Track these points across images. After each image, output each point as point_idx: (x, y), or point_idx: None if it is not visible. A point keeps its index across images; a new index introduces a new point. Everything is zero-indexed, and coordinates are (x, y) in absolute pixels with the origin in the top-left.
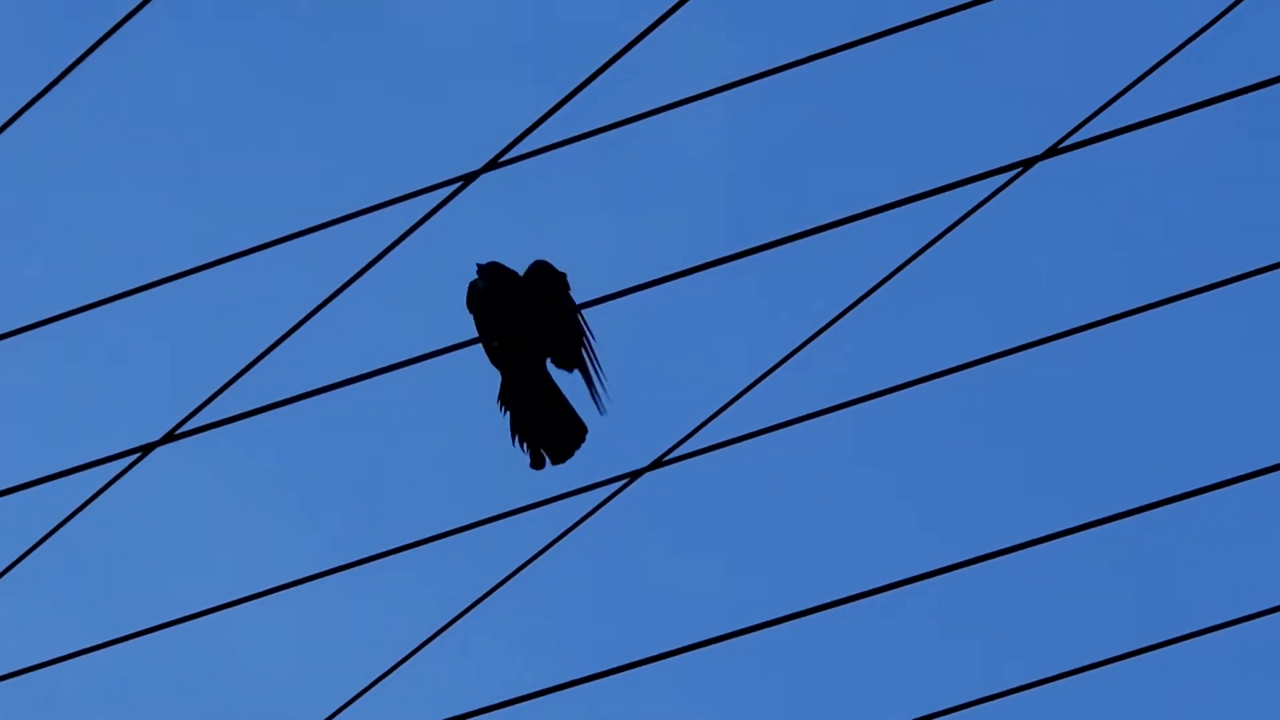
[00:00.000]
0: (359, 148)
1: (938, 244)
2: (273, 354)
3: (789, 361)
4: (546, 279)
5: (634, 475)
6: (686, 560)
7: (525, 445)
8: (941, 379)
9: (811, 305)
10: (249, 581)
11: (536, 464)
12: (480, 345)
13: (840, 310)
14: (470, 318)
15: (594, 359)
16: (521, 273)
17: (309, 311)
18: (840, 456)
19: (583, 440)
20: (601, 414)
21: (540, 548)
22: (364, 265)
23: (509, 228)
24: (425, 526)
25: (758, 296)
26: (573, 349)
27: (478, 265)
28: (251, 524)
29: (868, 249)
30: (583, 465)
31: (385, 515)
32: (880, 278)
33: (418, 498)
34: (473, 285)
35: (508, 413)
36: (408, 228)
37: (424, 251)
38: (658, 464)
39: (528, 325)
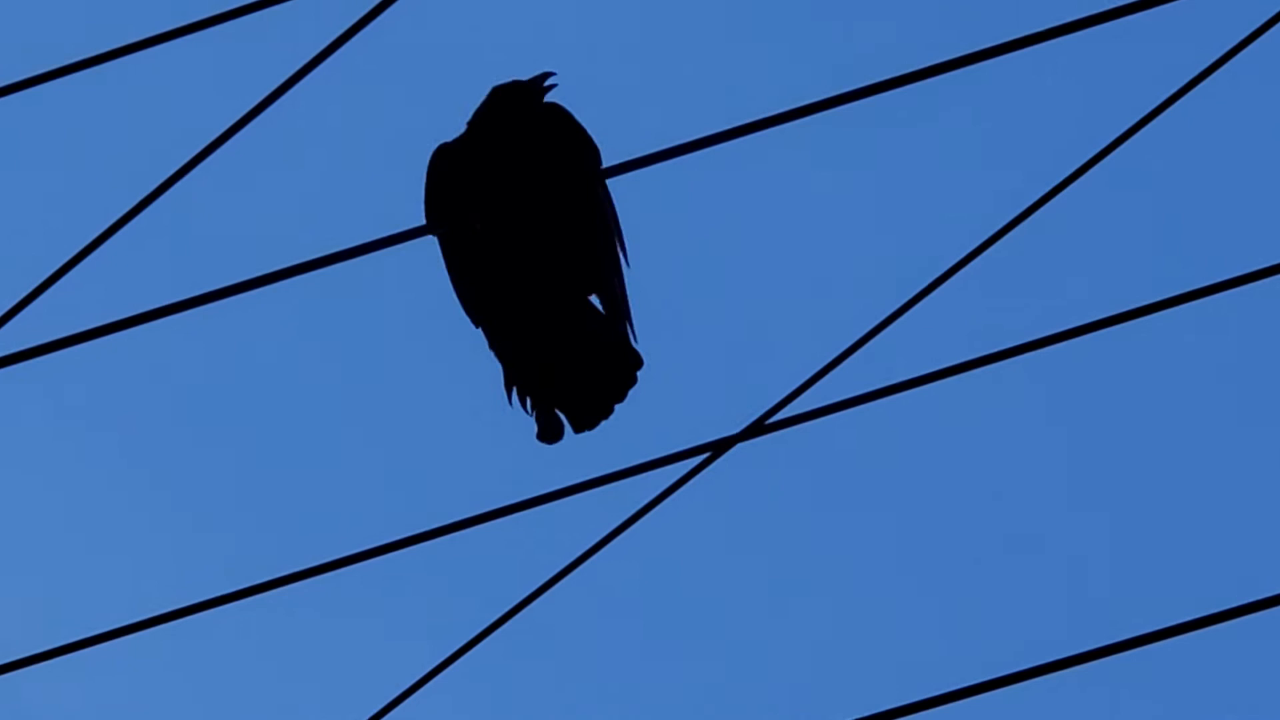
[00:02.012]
0: None
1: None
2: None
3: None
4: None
5: (720, 446)
6: (773, 550)
7: (534, 408)
8: (1071, 340)
9: (925, 258)
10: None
11: (549, 435)
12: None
13: (955, 263)
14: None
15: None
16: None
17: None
18: (960, 422)
19: (634, 380)
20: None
21: (587, 548)
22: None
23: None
24: (394, 527)
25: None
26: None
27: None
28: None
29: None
30: (637, 432)
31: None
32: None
33: (381, 488)
34: (437, 160)
35: (506, 360)
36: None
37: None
38: (751, 432)
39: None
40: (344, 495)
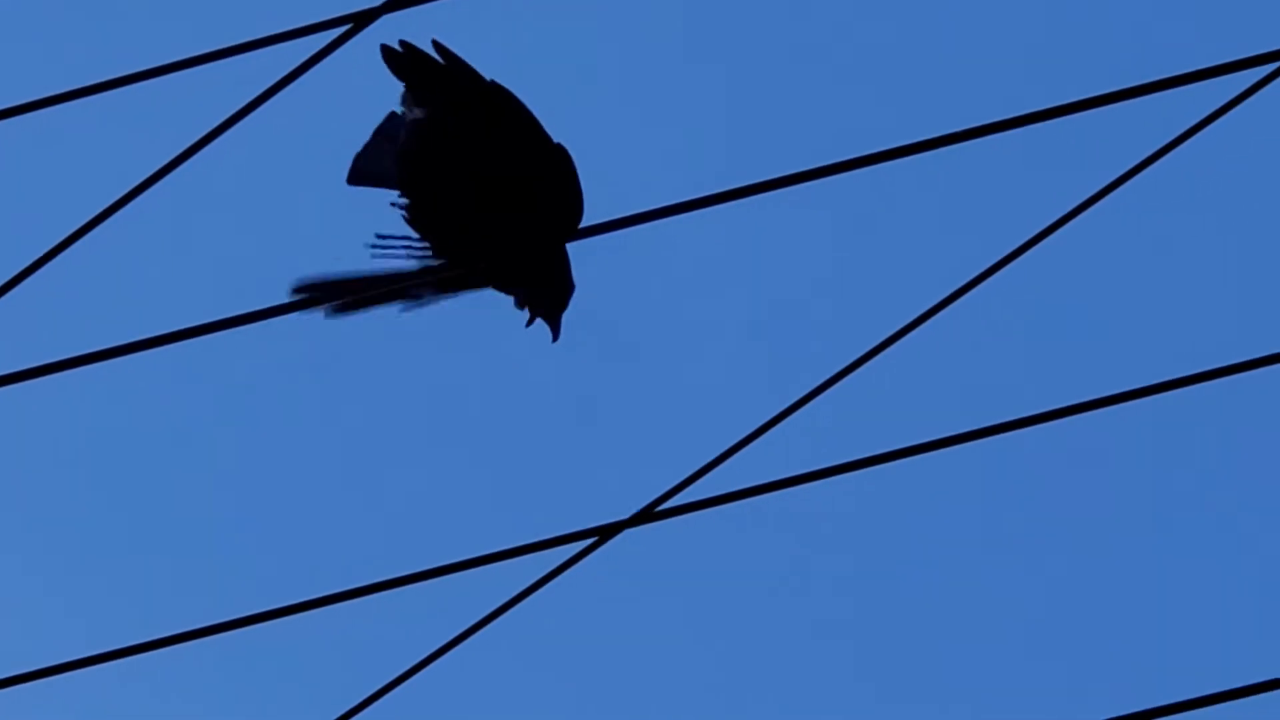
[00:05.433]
0: None
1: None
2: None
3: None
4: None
5: (606, 531)
6: (656, 640)
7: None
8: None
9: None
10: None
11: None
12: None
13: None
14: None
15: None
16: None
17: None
18: (855, 513)
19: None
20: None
21: (465, 628)
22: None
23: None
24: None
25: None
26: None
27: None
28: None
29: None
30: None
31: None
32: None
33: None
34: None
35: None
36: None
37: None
38: (643, 517)
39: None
40: (214, 563)
